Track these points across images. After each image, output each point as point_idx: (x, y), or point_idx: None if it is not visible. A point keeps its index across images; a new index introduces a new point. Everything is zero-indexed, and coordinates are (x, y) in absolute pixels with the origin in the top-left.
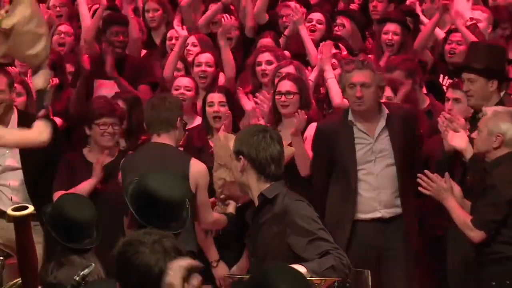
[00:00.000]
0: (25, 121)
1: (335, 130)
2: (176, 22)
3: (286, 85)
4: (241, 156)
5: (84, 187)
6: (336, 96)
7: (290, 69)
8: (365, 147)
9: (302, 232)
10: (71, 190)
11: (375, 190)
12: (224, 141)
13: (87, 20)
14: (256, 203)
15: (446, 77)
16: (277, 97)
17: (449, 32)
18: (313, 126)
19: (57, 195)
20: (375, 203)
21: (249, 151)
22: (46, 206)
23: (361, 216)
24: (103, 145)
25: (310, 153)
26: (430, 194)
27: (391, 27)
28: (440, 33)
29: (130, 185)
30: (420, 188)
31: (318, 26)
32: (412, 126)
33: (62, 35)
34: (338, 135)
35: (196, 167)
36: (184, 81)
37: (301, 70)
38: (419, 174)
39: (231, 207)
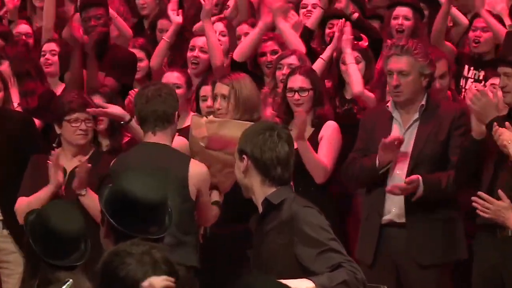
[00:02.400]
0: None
1: (374, 119)
2: (171, 6)
3: (298, 81)
4: (244, 156)
5: (40, 195)
6: (357, 83)
7: (292, 59)
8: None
9: (311, 242)
10: (28, 199)
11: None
12: (197, 125)
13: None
14: (260, 209)
15: (472, 68)
16: (288, 94)
17: (473, 17)
18: (329, 125)
19: (19, 201)
20: (390, 204)
21: (253, 151)
22: (30, 212)
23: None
24: (76, 144)
25: (330, 155)
26: (489, 217)
27: (401, 11)
28: (464, 19)
29: (104, 190)
30: (478, 212)
31: (314, 10)
32: (453, 125)
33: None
34: (376, 125)
35: (196, 169)
36: (172, 78)
37: (305, 60)
38: (473, 198)
39: (215, 195)
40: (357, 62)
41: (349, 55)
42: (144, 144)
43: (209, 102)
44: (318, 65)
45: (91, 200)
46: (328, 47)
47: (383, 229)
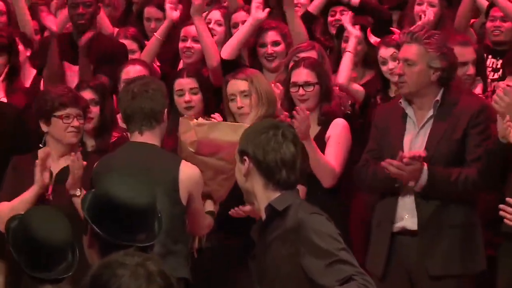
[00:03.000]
0: None
1: (387, 117)
2: None
3: (303, 74)
4: (245, 157)
5: (24, 197)
6: (342, 74)
7: (312, 55)
8: (410, 137)
9: (319, 252)
10: (11, 204)
11: (406, 194)
12: (186, 128)
13: None
14: (263, 216)
15: (490, 57)
16: (292, 89)
17: (489, 7)
18: (338, 123)
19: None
20: (402, 209)
21: (255, 152)
22: (12, 218)
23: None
24: (67, 143)
25: (339, 156)
26: None
27: None
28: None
29: (88, 194)
30: (505, 221)
31: (302, 1)
32: (470, 123)
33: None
34: (389, 123)
35: (188, 172)
36: (134, 72)
37: (324, 57)
38: (501, 206)
39: (209, 205)
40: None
41: (351, 43)
42: (130, 144)
43: (187, 97)
44: (347, 60)
45: None
46: (351, 37)
47: (395, 237)
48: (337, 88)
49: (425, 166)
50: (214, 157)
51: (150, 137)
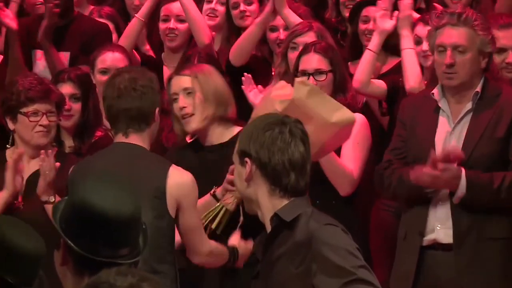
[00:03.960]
0: None
1: (415, 111)
2: None
3: (313, 61)
4: (247, 159)
5: None
6: (412, 76)
7: (310, 37)
8: (444, 135)
9: (334, 270)
10: None
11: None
12: (282, 85)
13: None
14: (268, 227)
15: None
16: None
17: None
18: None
19: None
20: (434, 220)
21: (258, 153)
22: None
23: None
24: (35, 144)
25: (358, 159)
26: None
27: None
28: None
29: (60, 203)
30: None
31: None
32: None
33: None
34: (418, 118)
35: (177, 177)
36: (113, 60)
37: (326, 37)
38: None
39: (234, 239)
40: None
41: (407, 39)
42: (115, 146)
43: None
44: (367, 58)
45: None
46: (375, 32)
47: (424, 252)
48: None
49: (463, 173)
50: None
51: (137, 140)
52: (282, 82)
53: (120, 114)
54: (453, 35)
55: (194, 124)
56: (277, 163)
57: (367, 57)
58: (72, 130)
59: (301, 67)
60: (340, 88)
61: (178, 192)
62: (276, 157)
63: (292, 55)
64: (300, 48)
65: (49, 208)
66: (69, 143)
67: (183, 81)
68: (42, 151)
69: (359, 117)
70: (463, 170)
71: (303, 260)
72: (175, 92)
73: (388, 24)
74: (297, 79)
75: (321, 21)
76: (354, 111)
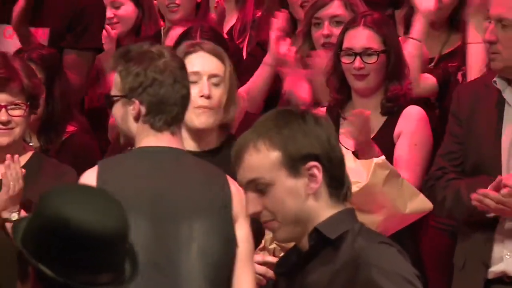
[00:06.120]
0: None
1: (473, 103)
2: None
3: (362, 37)
4: (314, 163)
5: None
6: (473, 67)
7: (336, 8)
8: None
9: None
10: None
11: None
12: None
13: None
14: (303, 245)
15: None
16: (345, 59)
17: None
18: (412, 113)
19: None
20: (502, 247)
21: (326, 152)
22: None
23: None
24: None
25: (418, 164)
26: None
27: None
28: None
29: (21, 221)
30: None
31: None
32: None
33: None
34: (476, 111)
35: (236, 188)
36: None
37: (357, 5)
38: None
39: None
40: None
41: (418, 26)
42: (151, 151)
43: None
44: (413, 49)
45: None
46: (417, 16)
47: (490, 286)
48: None
49: None
50: (358, 211)
51: (177, 142)
52: (349, 155)
53: (170, 104)
54: (498, 5)
55: (211, 119)
56: (336, 162)
57: (412, 48)
58: (36, 127)
59: (345, 45)
60: (394, 74)
61: (239, 203)
62: (333, 155)
63: (317, 34)
64: (326, 24)
65: (10, 227)
66: (34, 142)
67: (212, 63)
68: (8, 155)
69: (416, 111)
70: None
71: (346, 286)
72: (197, 71)
73: (430, 3)
74: (377, 161)
75: None
76: (409, 104)
